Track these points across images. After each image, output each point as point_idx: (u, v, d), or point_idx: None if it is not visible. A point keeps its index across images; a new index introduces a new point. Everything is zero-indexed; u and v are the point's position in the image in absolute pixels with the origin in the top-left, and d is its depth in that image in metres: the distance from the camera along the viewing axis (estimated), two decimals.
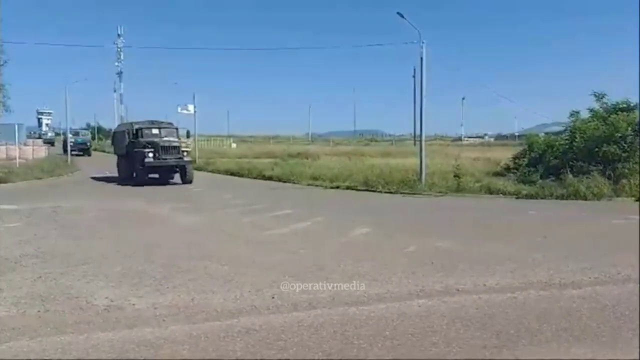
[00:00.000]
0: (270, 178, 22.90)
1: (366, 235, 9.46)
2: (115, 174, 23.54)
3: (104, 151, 52.64)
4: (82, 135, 51.29)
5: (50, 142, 63.54)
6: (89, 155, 46.88)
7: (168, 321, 4.83)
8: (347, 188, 18.54)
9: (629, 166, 15.55)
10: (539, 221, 11.05)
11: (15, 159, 27.29)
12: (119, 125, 26.58)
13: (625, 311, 5.01)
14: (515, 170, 18.12)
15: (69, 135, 43.54)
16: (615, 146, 15.84)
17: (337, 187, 18.89)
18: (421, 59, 18.25)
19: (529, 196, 15.14)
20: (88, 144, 49.38)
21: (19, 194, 17.04)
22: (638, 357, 3.94)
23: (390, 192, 17.06)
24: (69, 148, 38.52)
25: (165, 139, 21.60)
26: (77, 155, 43.66)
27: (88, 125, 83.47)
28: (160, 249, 8.17)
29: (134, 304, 5.34)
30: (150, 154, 20.33)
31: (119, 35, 71.24)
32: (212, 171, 29.02)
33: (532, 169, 17.12)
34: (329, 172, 21.51)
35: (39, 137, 63.67)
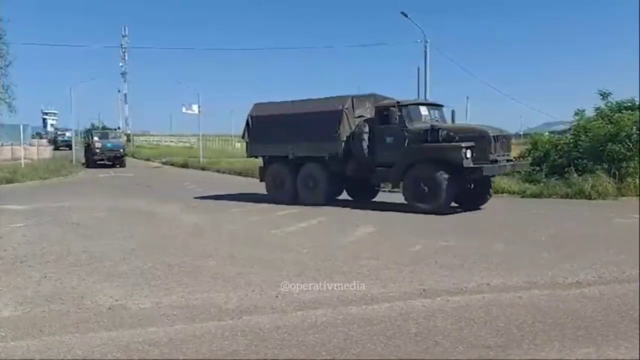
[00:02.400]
0: None
1: (370, 234, 9.46)
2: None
3: None
4: (114, 137, 36.29)
5: (67, 146, 51.85)
6: (123, 166, 33.93)
7: (172, 320, 4.85)
8: None
9: (634, 165, 15.48)
10: (544, 220, 11.02)
11: (20, 159, 27.44)
12: (261, 105, 15.38)
13: (629, 311, 4.99)
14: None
15: (95, 139, 34.06)
16: (620, 145, 15.75)
17: None
18: (425, 58, 18.25)
19: (534, 195, 15.11)
20: (122, 150, 34.92)
21: (24, 194, 17.15)
22: (639, 357, 3.93)
23: (395, 192, 17.05)
24: (73, 150, 37.49)
25: (460, 124, 13.34)
26: (104, 165, 33.48)
27: (93, 125, 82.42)
28: (165, 248, 8.20)
29: (138, 304, 5.37)
30: (468, 153, 11.56)
31: (123, 36, 71.50)
32: (218, 171, 29.13)
33: (537, 168, 17.06)
34: None
35: (54, 141, 53.40)
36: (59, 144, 53.10)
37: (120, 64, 73.36)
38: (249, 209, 13.19)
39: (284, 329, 4.60)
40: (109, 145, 34.23)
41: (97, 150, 33.76)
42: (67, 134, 60.15)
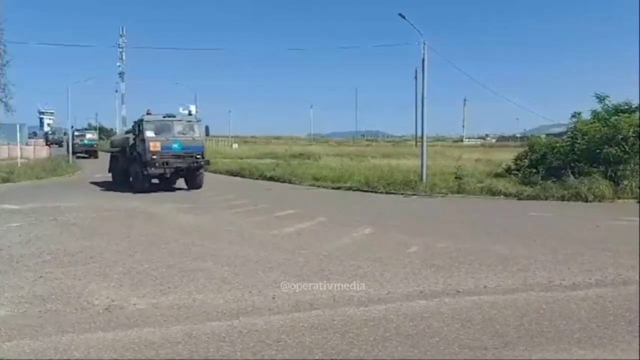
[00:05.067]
0: (271, 179, 22.92)
1: (368, 235, 9.46)
2: None
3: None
4: (184, 131, 18.40)
5: (89, 152, 41.61)
6: (198, 186, 18.45)
7: (169, 321, 4.84)
8: (349, 189, 18.56)
9: (630, 168, 15.55)
10: (540, 223, 11.04)
11: (17, 158, 27.34)
12: None
13: (625, 313, 5.01)
14: (517, 172, 18.12)
15: (148, 134, 17.35)
16: (616, 148, 15.82)
17: (339, 188, 18.91)
18: (422, 60, 18.28)
19: (531, 197, 15.15)
20: (201, 155, 18.31)
21: (21, 193, 17.08)
22: (638, 358, 3.94)
23: (392, 193, 17.08)
24: (70, 150, 34.47)
25: None
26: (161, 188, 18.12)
27: (90, 125, 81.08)
28: (161, 249, 8.18)
29: (135, 304, 5.36)
30: None
31: (121, 36, 71.14)
32: (214, 171, 29.08)
33: (534, 170, 17.12)
34: (331, 173, 21.54)
35: (71, 145, 38.85)
36: (76, 149, 39.34)
37: (118, 64, 72.87)
38: (249, 209, 13.17)
39: (281, 330, 4.59)
40: (175, 146, 17.51)
41: (154, 158, 17.01)
42: (89, 135, 46.03)
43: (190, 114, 19.02)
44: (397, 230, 10.01)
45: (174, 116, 18.76)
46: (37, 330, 4.61)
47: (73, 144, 39.64)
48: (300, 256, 7.62)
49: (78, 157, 38.51)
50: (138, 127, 18.11)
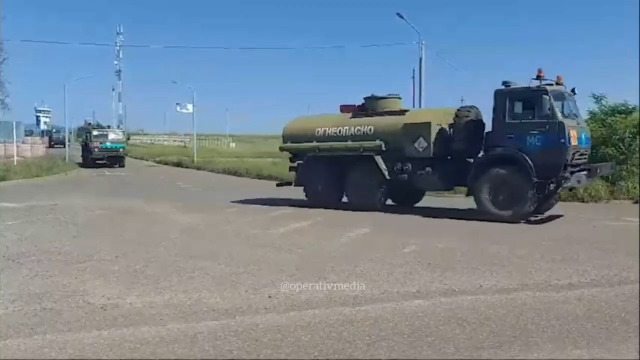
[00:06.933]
0: (269, 177, 22.90)
1: (365, 235, 9.47)
2: None
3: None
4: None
5: (112, 158, 31.68)
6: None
7: (165, 320, 4.83)
8: None
9: (627, 168, 15.58)
10: (537, 223, 11.05)
11: (13, 157, 27.28)
12: None
13: (621, 313, 5.01)
14: None
15: (560, 117, 10.09)
16: (613, 148, 15.86)
17: None
18: (420, 59, 18.32)
19: None
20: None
21: (17, 191, 17.04)
22: (638, 358, 3.95)
23: None
24: (67, 148, 36.06)
25: None
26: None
27: (87, 122, 79.57)
28: (158, 247, 8.17)
29: (130, 303, 5.34)
30: None
31: (118, 34, 70.94)
32: (212, 170, 29.07)
33: None
34: None
35: (84, 147, 33.97)
36: (94, 154, 31.45)
37: (115, 62, 72.65)
38: (247, 209, 13.16)
39: (277, 329, 4.59)
40: (583, 138, 11.14)
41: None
42: (113, 135, 32.96)
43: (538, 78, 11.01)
44: (394, 230, 10.01)
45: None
46: (32, 328, 4.60)
47: (92, 147, 31.49)
48: (297, 255, 7.62)
49: (98, 165, 30.64)
50: (530, 101, 10.57)
